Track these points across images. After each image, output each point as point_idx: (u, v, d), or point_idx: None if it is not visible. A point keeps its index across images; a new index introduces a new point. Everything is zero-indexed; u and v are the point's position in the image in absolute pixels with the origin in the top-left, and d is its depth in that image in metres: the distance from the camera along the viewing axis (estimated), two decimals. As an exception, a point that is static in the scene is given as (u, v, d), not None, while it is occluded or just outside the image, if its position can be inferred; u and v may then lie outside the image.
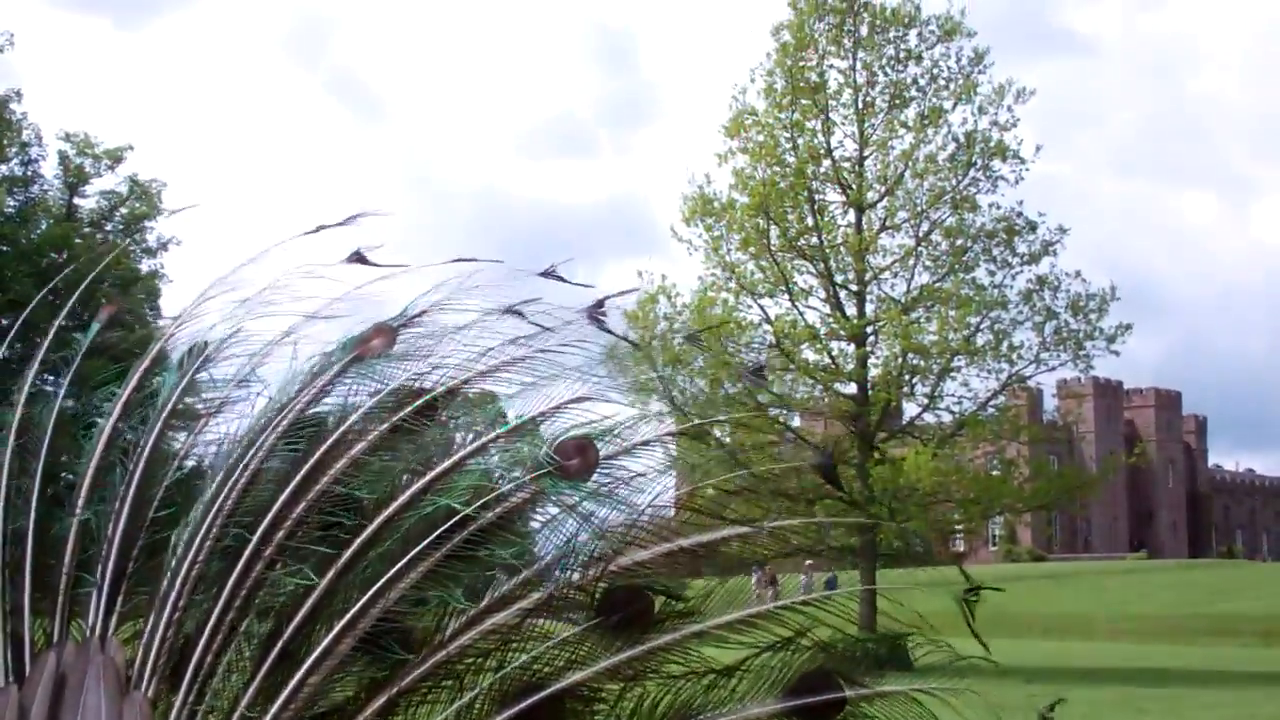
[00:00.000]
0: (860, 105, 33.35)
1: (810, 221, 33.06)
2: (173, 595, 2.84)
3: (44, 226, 39.44)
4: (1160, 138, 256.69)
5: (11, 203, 38.94)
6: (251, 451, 3.07)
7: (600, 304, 3.25)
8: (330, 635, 2.84)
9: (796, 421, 35.93)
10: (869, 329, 33.03)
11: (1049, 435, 43.69)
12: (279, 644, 2.83)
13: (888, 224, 33.40)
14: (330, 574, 2.90)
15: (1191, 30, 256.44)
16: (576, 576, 2.97)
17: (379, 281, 3.38)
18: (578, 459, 3.08)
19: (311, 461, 3.02)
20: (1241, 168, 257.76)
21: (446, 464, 3.07)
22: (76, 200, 42.67)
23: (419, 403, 3.17)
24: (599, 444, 3.13)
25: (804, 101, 33.08)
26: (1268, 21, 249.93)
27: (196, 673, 2.79)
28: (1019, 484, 34.61)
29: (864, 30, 33.21)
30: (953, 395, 33.55)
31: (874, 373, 33.25)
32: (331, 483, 3.02)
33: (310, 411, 3.19)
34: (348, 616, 2.86)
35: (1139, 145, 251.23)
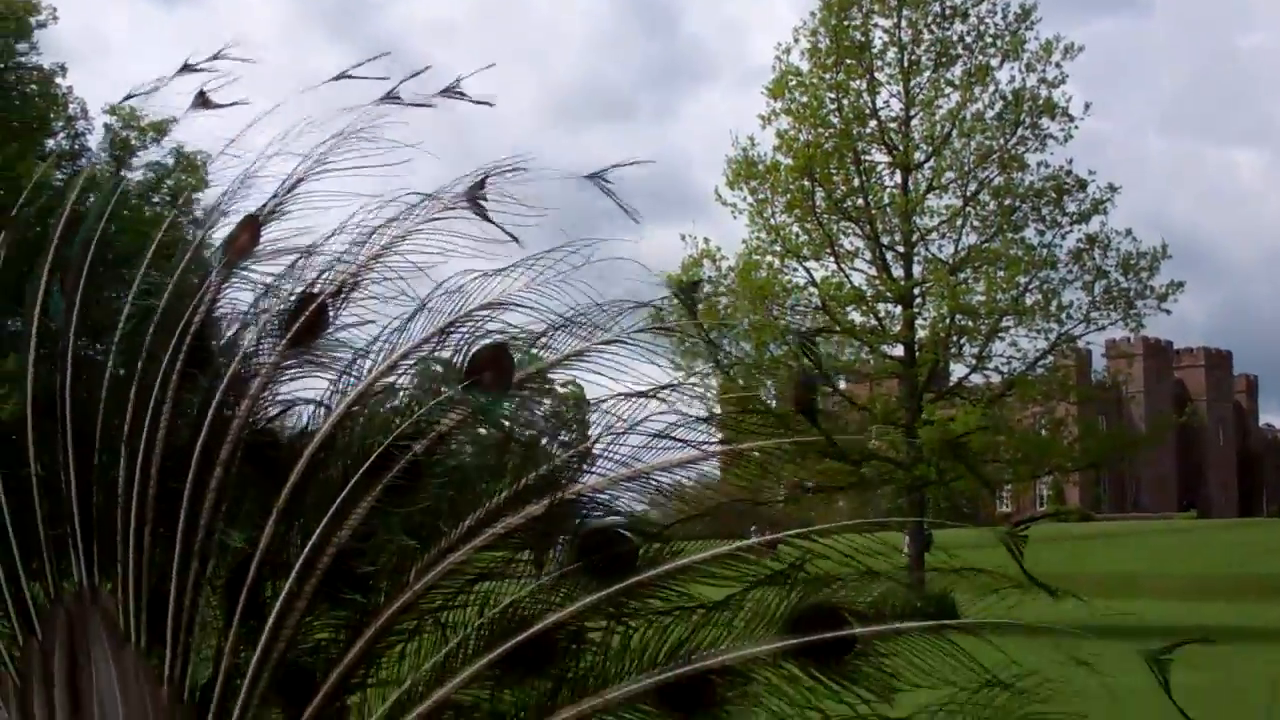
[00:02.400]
0: (905, 64, 33.07)
1: (856, 183, 32.87)
2: (131, 549, 2.84)
3: (92, 199, 39.76)
4: (1208, 95, 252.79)
5: (59, 176, 39.36)
6: (157, 389, 2.97)
7: (481, 184, 3.01)
8: (290, 579, 2.80)
9: (842, 384, 35.86)
10: (916, 290, 32.85)
11: (1098, 395, 43.39)
12: (243, 591, 2.81)
13: (935, 184, 33.16)
14: (271, 518, 2.84)
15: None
16: (537, 510, 2.83)
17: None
18: (490, 370, 2.92)
19: (216, 401, 2.93)
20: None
21: (357, 389, 2.95)
22: (123, 173, 42.90)
23: (305, 316, 3.01)
24: (515, 353, 2.96)
25: (848, 61, 32.81)
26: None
27: (177, 623, 2.79)
28: (1068, 444, 34.45)
29: (909, -14, 32.87)
30: (1001, 356, 33.42)
31: (921, 334, 33.10)
32: (245, 421, 2.94)
33: (201, 329, 3.05)
34: (301, 559, 2.80)
35: (1186, 103, 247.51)
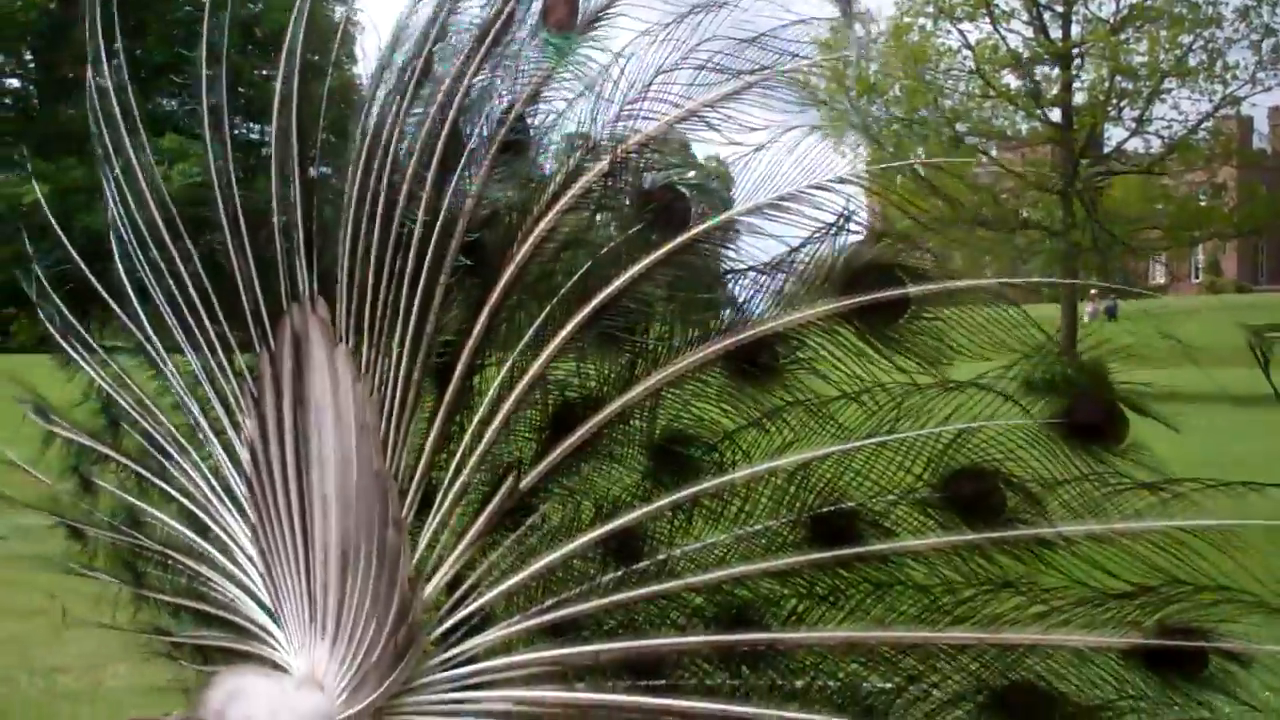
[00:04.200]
0: None
1: (1014, -62, 31.62)
2: (347, 249, 2.99)
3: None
4: None
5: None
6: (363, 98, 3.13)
7: None
8: (427, 259, 2.91)
9: (994, 151, 35.16)
10: (1075, 52, 31.73)
11: (1260, 160, 41.99)
12: (418, 287, 2.92)
13: (1096, -63, 31.76)
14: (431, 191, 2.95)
15: None
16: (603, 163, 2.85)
17: None
18: (563, 7, 2.95)
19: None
20: None
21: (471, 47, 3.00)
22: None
23: None
24: None
25: None
26: None
27: (371, 321, 2.94)
28: (1228, 210, 33.59)
29: None
30: (1162, 119, 32.44)
31: (1079, 98, 32.15)
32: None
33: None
34: (437, 235, 2.91)
35: None
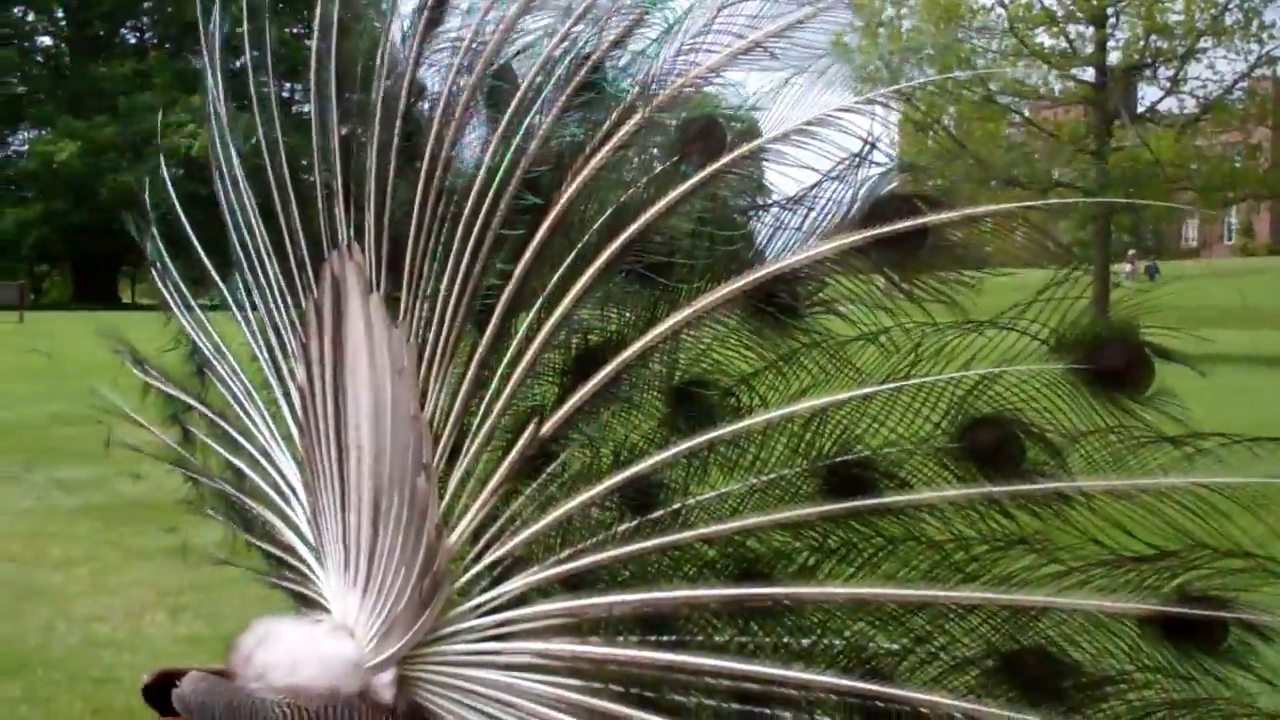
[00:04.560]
0: None
1: (1048, -108, 31.28)
2: (375, 197, 3.00)
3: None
4: None
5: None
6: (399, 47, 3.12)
7: None
8: (483, 207, 2.90)
9: (1027, 111, 34.90)
10: (1110, 10, 31.43)
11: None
12: (473, 231, 2.92)
13: (1133, -106, 31.38)
14: (492, 141, 2.94)
15: None
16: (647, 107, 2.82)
17: None
18: None
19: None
20: None
21: None
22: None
23: None
24: None
25: None
26: None
27: (410, 267, 2.94)
28: (1263, 171, 33.31)
29: None
30: (1197, 79, 32.14)
31: (1114, 56, 31.87)
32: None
33: None
34: (496, 186, 2.90)
35: None
